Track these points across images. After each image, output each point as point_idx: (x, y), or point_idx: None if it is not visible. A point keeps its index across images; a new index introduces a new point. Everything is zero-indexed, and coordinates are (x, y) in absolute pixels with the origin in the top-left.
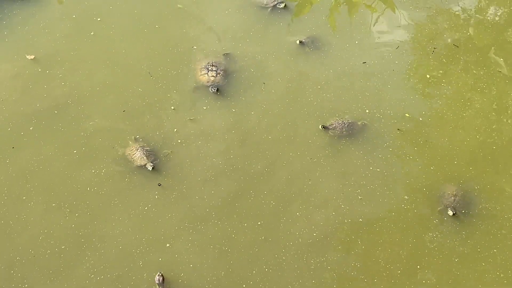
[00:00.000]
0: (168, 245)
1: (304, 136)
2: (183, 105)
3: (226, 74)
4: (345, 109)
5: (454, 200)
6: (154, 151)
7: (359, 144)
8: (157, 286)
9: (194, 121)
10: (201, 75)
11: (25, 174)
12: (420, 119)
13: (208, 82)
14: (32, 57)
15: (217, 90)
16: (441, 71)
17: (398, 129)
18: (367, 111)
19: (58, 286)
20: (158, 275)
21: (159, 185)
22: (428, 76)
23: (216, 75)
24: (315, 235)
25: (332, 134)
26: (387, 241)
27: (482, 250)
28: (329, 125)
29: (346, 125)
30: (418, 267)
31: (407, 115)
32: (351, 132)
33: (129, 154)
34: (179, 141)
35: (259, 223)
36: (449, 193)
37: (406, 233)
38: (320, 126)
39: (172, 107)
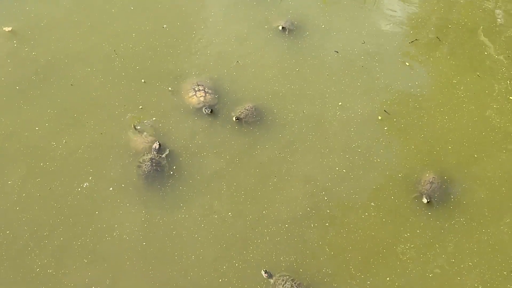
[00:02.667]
0: None
1: None
2: None
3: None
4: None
5: (431, 187)
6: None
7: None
8: (154, 153)
9: None
10: (189, 97)
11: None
12: (410, 100)
13: (199, 103)
14: (10, 29)
15: (211, 111)
16: (426, 56)
17: (385, 111)
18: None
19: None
20: (156, 143)
21: None
22: (407, 63)
23: (205, 94)
24: None
25: None
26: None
27: (454, 238)
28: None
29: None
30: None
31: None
32: None
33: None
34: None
35: None
36: (425, 180)
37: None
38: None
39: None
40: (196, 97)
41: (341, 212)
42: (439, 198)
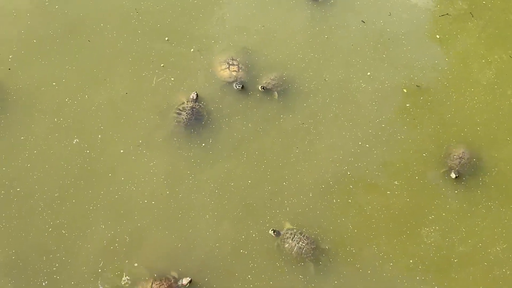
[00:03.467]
0: None
1: None
2: None
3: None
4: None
5: (460, 162)
6: None
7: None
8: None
9: None
10: (222, 70)
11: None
12: (439, 78)
13: (230, 77)
14: None
15: (242, 86)
16: (457, 32)
17: (417, 86)
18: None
19: None
20: (194, 93)
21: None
22: (438, 36)
23: (239, 69)
24: None
25: None
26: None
27: (481, 223)
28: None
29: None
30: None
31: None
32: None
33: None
34: None
35: None
36: (455, 155)
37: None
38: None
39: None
40: (228, 71)
41: (364, 189)
42: (467, 178)
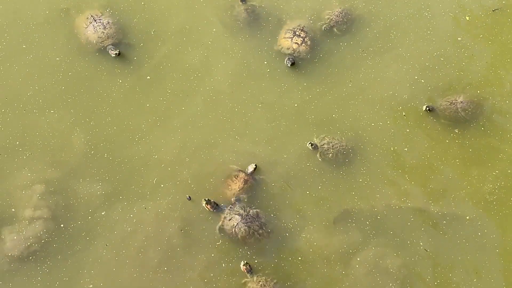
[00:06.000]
0: None
1: None
2: None
3: (313, 45)
4: None
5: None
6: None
7: None
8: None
9: None
10: (285, 38)
11: None
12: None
13: (288, 49)
14: None
15: (292, 63)
16: None
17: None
18: None
19: None
20: None
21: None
22: None
23: (302, 43)
24: None
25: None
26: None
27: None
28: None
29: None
30: None
31: None
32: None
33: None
34: None
35: None
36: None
37: None
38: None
39: None
40: (290, 41)
41: (421, 132)
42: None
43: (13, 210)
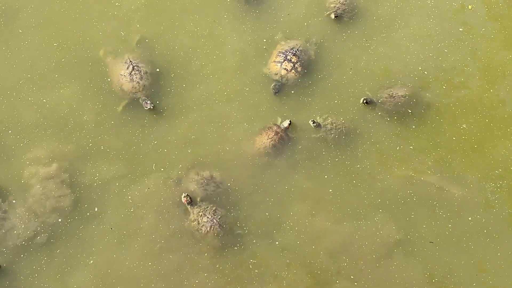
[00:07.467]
0: None
1: None
2: None
3: (303, 71)
4: None
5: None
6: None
7: None
8: None
9: None
10: (274, 62)
11: None
12: None
13: (276, 74)
14: None
15: (277, 92)
16: None
17: None
18: None
19: None
20: None
21: None
22: None
23: (291, 69)
24: None
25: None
26: None
27: None
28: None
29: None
30: None
31: None
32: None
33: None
34: None
35: None
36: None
37: None
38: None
39: None
40: (279, 67)
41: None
42: None
43: (21, 188)
